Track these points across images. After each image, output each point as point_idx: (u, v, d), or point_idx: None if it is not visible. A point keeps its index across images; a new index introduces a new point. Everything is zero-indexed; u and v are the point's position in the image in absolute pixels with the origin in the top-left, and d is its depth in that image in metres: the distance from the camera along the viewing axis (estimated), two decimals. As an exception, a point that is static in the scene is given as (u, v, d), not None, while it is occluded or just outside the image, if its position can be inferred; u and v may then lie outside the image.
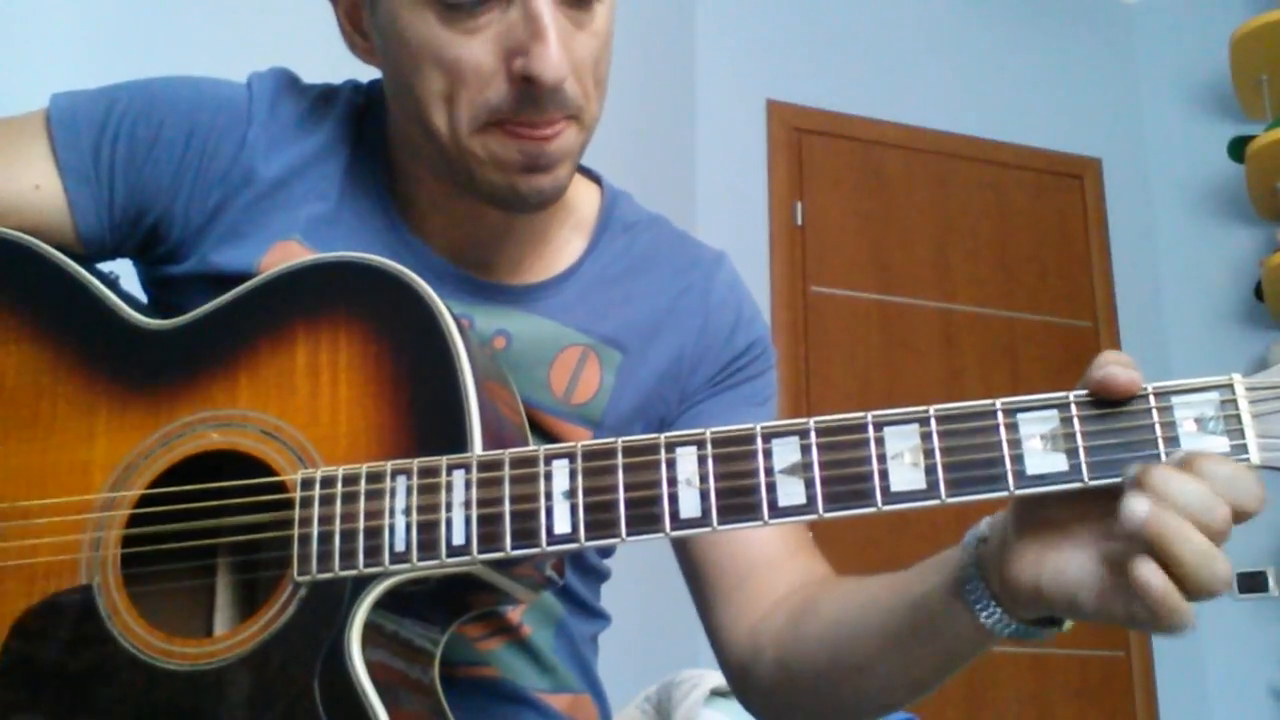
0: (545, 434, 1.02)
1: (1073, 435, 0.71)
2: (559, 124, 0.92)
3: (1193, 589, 0.67)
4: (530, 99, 0.90)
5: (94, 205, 1.01)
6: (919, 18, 4.35)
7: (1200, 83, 4.45)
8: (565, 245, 1.08)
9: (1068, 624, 0.78)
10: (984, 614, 0.77)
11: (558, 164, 0.94)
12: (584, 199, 1.11)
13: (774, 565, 1.01)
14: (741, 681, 1.02)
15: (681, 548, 1.06)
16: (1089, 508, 0.73)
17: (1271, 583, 3.90)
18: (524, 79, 0.89)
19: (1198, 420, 0.70)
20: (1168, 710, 3.91)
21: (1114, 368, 0.71)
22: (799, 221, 4.00)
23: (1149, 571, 0.66)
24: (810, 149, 4.10)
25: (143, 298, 1.06)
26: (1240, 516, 0.68)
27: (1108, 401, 0.72)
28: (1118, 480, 0.71)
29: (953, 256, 4.18)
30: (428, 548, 0.79)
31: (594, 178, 1.14)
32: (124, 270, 1.05)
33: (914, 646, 0.85)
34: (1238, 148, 4.05)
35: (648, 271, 1.10)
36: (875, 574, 0.93)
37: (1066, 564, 0.72)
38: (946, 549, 0.83)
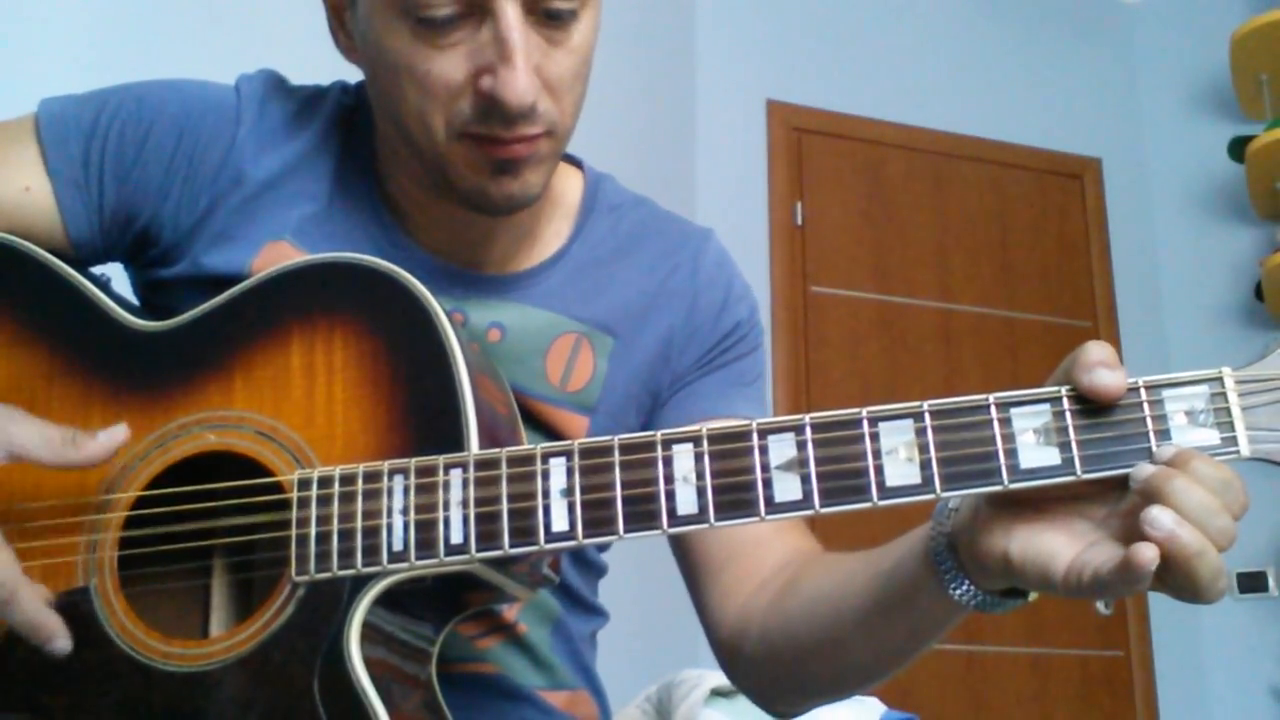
0: (542, 423, 1.03)
1: (1065, 429, 0.72)
2: (528, 138, 0.93)
3: (1197, 599, 0.68)
4: (497, 115, 0.91)
5: (84, 209, 1.01)
6: (919, 18, 4.35)
7: (1200, 83, 4.45)
8: (554, 234, 1.08)
9: (1032, 595, 0.78)
10: (951, 585, 0.78)
11: (528, 170, 0.95)
12: (567, 185, 1.10)
13: (761, 543, 1.02)
14: (730, 660, 1.02)
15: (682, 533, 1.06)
16: (1069, 491, 0.73)
17: (1271, 583, 3.89)
18: (489, 97, 0.89)
19: (1188, 413, 0.71)
20: (1168, 710, 3.91)
21: (1102, 371, 0.71)
22: (799, 221, 4.01)
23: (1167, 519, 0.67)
24: (810, 149, 4.10)
25: (134, 301, 1.06)
26: None
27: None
28: (1109, 474, 0.71)
29: (953, 256, 4.18)
30: (426, 547, 0.79)
31: (575, 163, 1.13)
32: (115, 273, 1.05)
33: (888, 618, 0.86)
34: (1238, 148, 4.05)
35: (635, 252, 1.10)
36: (858, 550, 0.93)
37: (1037, 535, 0.73)
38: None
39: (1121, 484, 0.72)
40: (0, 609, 0.82)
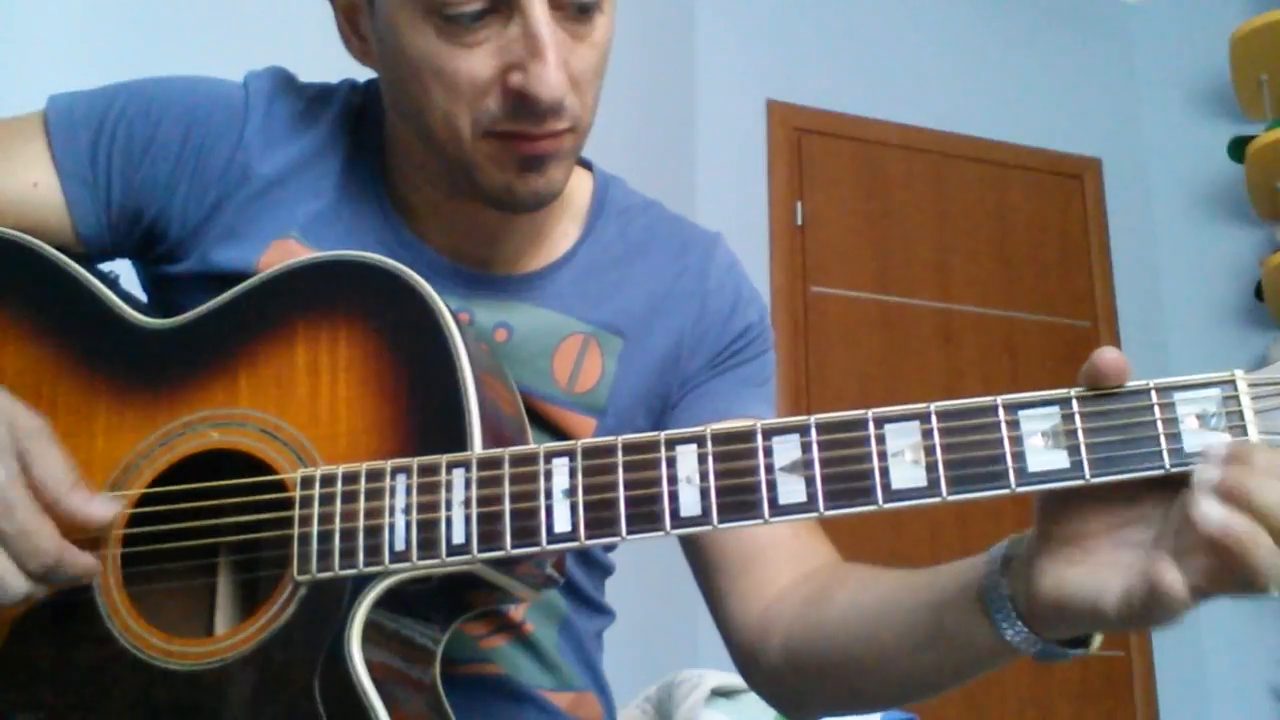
0: (549, 424, 1.03)
1: (1074, 432, 0.71)
2: (556, 134, 0.93)
3: (1254, 589, 0.66)
4: (526, 112, 0.91)
5: (92, 205, 1.01)
6: (919, 18, 4.35)
7: (1200, 83, 4.45)
8: (562, 235, 1.08)
9: (1094, 644, 0.77)
10: (1009, 631, 0.76)
11: (552, 166, 0.95)
12: (577, 186, 1.10)
13: (780, 548, 1.01)
14: (749, 665, 1.02)
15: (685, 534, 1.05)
16: (1111, 519, 0.72)
17: (1272, 583, 3.89)
18: (520, 94, 0.89)
19: (1199, 416, 0.70)
20: (1168, 710, 3.91)
21: (1102, 350, 0.71)
22: (799, 221, 4.00)
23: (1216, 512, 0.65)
24: (810, 149, 4.10)
25: (143, 297, 1.06)
26: None
27: (1109, 396, 0.72)
28: (1122, 479, 0.71)
29: (953, 256, 4.18)
30: (428, 547, 0.79)
31: (585, 164, 1.13)
32: (124, 269, 1.05)
33: (931, 651, 0.85)
34: (1238, 148, 4.05)
35: (644, 256, 1.10)
36: (890, 567, 0.92)
37: (1089, 575, 0.71)
38: (970, 557, 0.82)
39: (1163, 502, 0.70)
40: (52, 573, 0.81)
